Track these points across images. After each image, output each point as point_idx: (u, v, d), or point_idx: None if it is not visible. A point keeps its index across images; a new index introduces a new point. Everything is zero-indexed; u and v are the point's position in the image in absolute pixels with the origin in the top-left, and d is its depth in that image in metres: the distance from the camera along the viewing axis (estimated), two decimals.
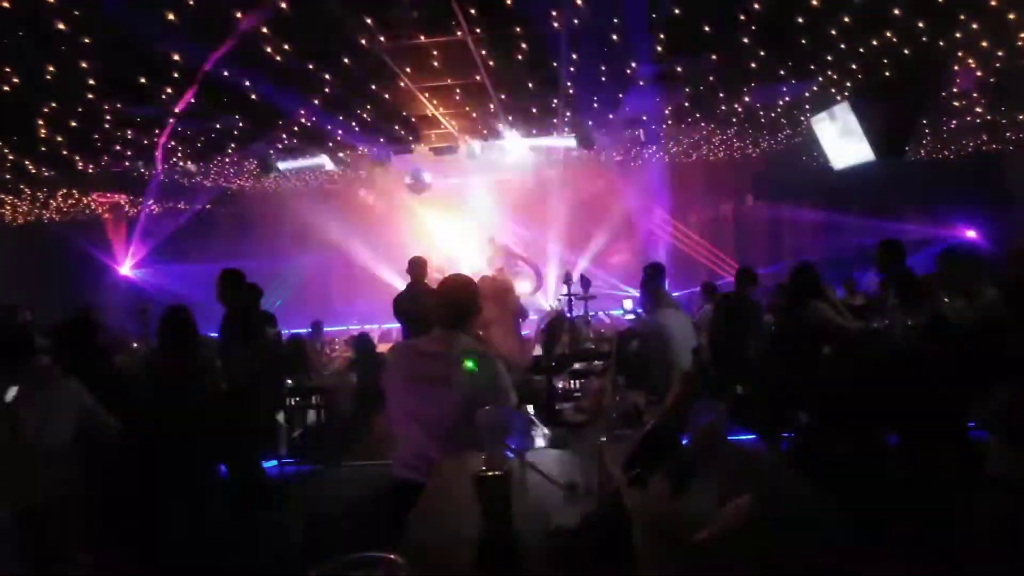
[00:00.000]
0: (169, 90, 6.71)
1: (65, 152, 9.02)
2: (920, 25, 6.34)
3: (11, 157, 9.11)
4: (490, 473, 1.24)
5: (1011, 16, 6.21)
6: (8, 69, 5.92)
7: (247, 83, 6.75)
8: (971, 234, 13.79)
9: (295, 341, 7.89)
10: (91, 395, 3.68)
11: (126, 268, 15.12)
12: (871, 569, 1.32)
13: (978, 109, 10.12)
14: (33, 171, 10.02)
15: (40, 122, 7.57)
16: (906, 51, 7.07)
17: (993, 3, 5.89)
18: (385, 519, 2.67)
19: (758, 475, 1.87)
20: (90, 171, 10.37)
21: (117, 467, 4.00)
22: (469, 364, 2.67)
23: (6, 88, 6.26)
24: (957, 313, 4.60)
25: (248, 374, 5.33)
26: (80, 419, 3.57)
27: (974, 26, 6.43)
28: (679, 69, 7.39)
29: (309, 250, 15.01)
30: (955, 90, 8.83)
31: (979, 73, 8.08)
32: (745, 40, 6.45)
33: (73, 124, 7.72)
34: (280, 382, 6.51)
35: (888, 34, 6.55)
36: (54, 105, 7.02)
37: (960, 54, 7.32)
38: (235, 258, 13.95)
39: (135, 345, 7.81)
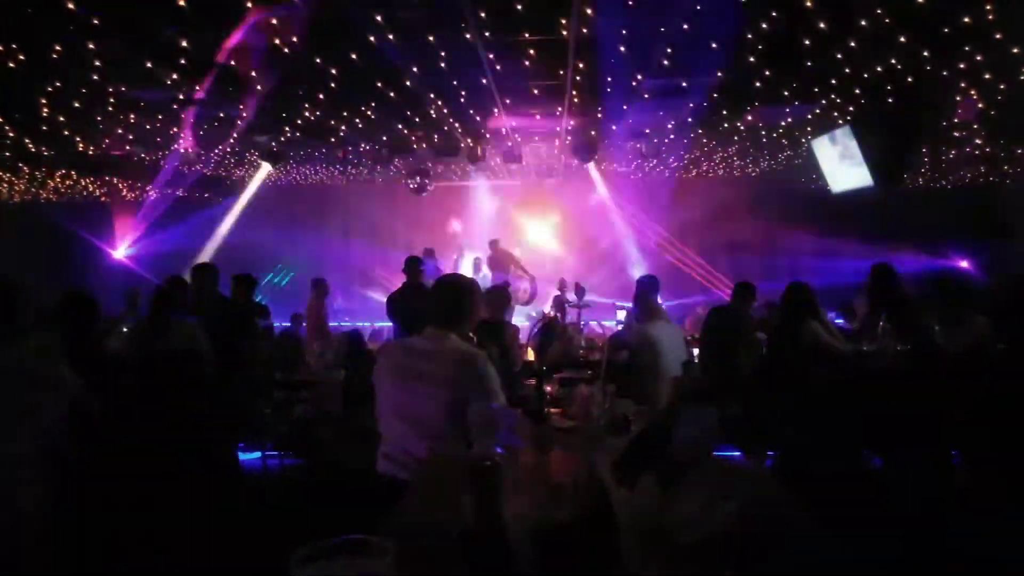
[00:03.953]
0: (175, 76, 6.71)
1: (66, 132, 9.01)
2: (925, 54, 6.40)
3: (11, 134, 9.08)
4: (481, 463, 1.25)
5: (1015, 50, 6.27)
6: (14, 46, 5.91)
7: (253, 73, 6.76)
8: (964, 264, 13.89)
9: (289, 335, 7.87)
10: (80, 378, 3.65)
11: (120, 252, 15.08)
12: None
13: (978, 141, 10.22)
14: (33, 150, 10.00)
15: (43, 101, 7.56)
16: (910, 79, 7.13)
17: (998, 36, 5.95)
18: (367, 514, 2.66)
19: (743, 487, 1.88)
20: (90, 153, 10.36)
21: (100, 452, 3.98)
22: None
23: (11, 64, 6.24)
24: (946, 339, 4.63)
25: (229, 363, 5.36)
26: (70, 403, 3.54)
27: (978, 58, 6.50)
28: (684, 84, 7.43)
29: (305, 240, 15.06)
30: (956, 120, 8.91)
31: (980, 105, 8.15)
32: (751, 59, 6.50)
33: (76, 105, 7.71)
34: (268, 374, 6.50)
35: (893, 61, 6.60)
36: (58, 84, 7.00)
37: (963, 84, 7.39)
38: (231, 247, 14.02)
39: (124, 330, 7.76)
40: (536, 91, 7.64)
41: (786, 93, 7.80)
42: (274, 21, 5.51)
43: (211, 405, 5.08)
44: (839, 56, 6.46)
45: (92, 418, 3.68)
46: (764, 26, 5.75)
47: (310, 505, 5.12)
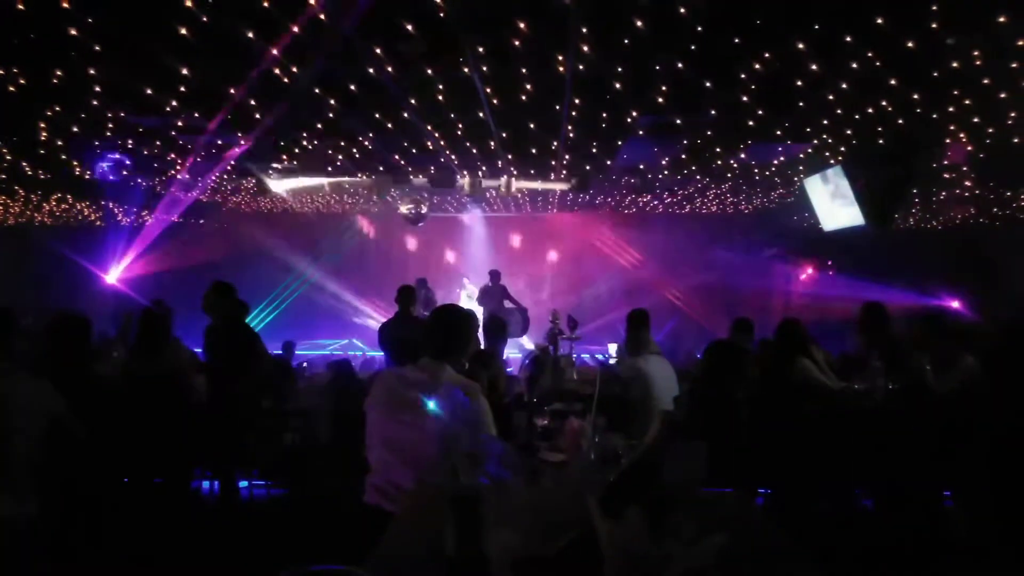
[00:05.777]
0: (174, 103, 6.75)
1: (63, 156, 9.03)
2: (915, 97, 6.50)
3: (8, 157, 9.10)
4: (464, 494, 1.24)
5: (1002, 95, 6.38)
6: (15, 69, 5.95)
7: (252, 102, 6.81)
8: (955, 304, 13.94)
9: (280, 362, 7.81)
10: (66, 400, 3.62)
11: (112, 276, 15.01)
12: None
13: (967, 183, 10.33)
14: (29, 173, 10.00)
15: (42, 125, 7.59)
16: (900, 121, 7.24)
17: (986, 81, 6.06)
18: (353, 544, 2.63)
19: (731, 521, 1.87)
20: (87, 177, 10.38)
21: (83, 473, 3.94)
22: (431, 405, 2.70)
23: (11, 88, 6.28)
24: (937, 380, 4.64)
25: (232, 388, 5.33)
26: (51, 423, 3.51)
27: (967, 102, 6.60)
28: (678, 122, 7.51)
29: (296, 269, 15.09)
30: (946, 163, 9.02)
31: (970, 148, 8.26)
32: (745, 99, 6.58)
33: (75, 129, 7.74)
34: (258, 401, 6.44)
35: (884, 103, 6.70)
36: (57, 109, 7.04)
37: (952, 128, 7.49)
38: (222, 272, 13.96)
39: (115, 355, 7.71)
40: (532, 125, 7.72)
41: (779, 132, 7.90)
42: (275, 52, 5.57)
43: (197, 427, 5.06)
44: (831, 97, 6.56)
45: (74, 438, 3.66)
46: (757, 67, 5.84)
47: (296, 535, 5.05)
